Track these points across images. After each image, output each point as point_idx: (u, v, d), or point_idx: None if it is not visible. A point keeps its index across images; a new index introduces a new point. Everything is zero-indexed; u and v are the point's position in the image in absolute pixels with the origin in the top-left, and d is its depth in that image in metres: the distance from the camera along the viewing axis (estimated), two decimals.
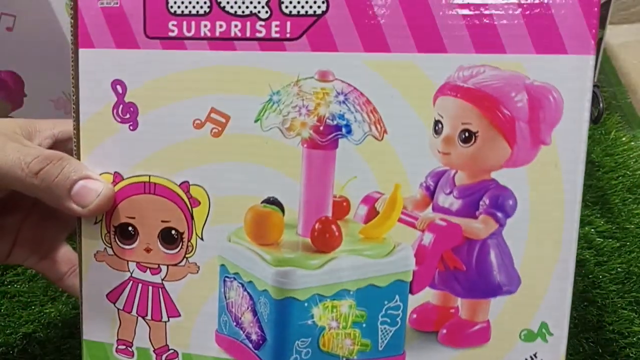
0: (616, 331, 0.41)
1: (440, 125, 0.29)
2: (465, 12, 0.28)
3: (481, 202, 0.29)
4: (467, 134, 0.29)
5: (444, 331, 0.30)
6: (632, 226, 0.48)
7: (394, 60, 0.29)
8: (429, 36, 0.28)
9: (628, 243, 0.46)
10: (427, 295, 0.30)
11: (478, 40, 0.28)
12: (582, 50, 0.27)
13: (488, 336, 0.30)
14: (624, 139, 0.57)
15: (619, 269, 0.44)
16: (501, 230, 0.29)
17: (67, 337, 0.43)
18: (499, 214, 0.29)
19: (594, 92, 0.39)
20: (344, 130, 0.30)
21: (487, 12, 0.27)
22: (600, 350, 0.40)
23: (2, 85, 0.51)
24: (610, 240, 0.47)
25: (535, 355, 0.29)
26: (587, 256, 0.45)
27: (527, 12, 0.27)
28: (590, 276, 0.44)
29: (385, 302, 0.31)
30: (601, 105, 0.38)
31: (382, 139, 0.29)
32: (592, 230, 0.47)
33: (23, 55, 0.50)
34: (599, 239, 0.47)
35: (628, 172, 0.53)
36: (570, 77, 0.27)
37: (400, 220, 0.30)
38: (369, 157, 0.30)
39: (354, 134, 0.30)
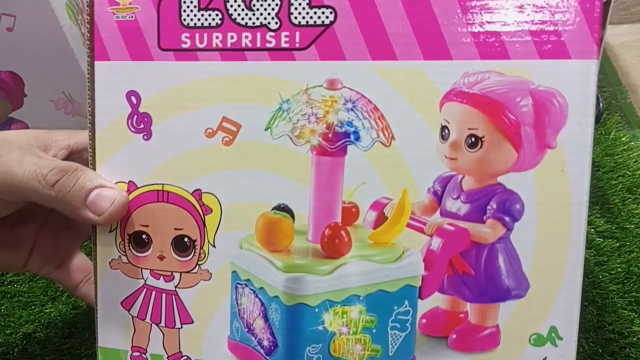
0: (616, 331, 0.41)
1: (447, 131, 0.29)
2: (470, 19, 0.28)
3: (488, 207, 0.29)
4: (473, 139, 0.29)
5: (454, 336, 0.30)
6: (632, 226, 0.48)
7: (401, 67, 0.29)
8: (435, 44, 0.29)
9: (628, 243, 0.46)
10: (437, 300, 0.30)
11: (482, 47, 0.28)
12: (585, 55, 0.27)
13: (498, 341, 0.30)
14: (624, 139, 0.56)
15: (619, 269, 0.44)
16: (509, 235, 0.29)
17: (67, 337, 0.44)
18: (507, 218, 0.29)
19: None
20: (352, 137, 0.30)
21: (491, 19, 0.28)
22: (600, 350, 0.40)
23: (2, 85, 0.51)
24: (610, 240, 0.47)
25: (545, 359, 0.29)
26: (587, 256, 0.45)
27: (530, 18, 0.28)
28: (590, 276, 0.44)
29: (395, 307, 0.31)
30: (601, 105, 0.39)
31: (389, 145, 0.30)
32: (592, 230, 0.47)
33: (23, 55, 0.50)
34: (598, 239, 0.46)
35: (628, 172, 0.52)
36: (574, 82, 0.28)
37: (408, 225, 0.30)
38: (377, 163, 0.30)
39: (362, 141, 0.30)
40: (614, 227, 0.48)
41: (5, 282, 0.48)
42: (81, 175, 0.32)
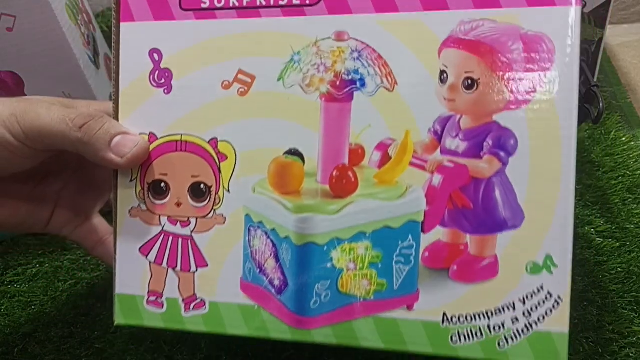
0: (616, 331, 0.41)
1: (445, 75, 0.32)
2: None
3: (485, 143, 0.31)
4: (469, 82, 0.32)
5: (455, 267, 0.32)
6: (632, 226, 0.48)
7: (402, 18, 0.32)
8: None
9: (628, 243, 0.47)
10: (438, 234, 0.32)
11: None
12: (568, 2, 0.30)
13: (496, 270, 0.31)
14: (624, 139, 0.57)
15: (619, 269, 0.44)
16: (504, 169, 0.31)
17: (67, 337, 0.44)
18: (502, 154, 0.31)
19: (594, 92, 0.42)
20: (358, 84, 0.33)
21: None
22: (600, 350, 0.40)
23: (2, 85, 0.51)
24: (610, 240, 0.47)
25: (541, 287, 0.31)
26: (587, 256, 0.45)
27: None
28: (590, 276, 0.44)
29: (400, 242, 0.33)
30: (601, 105, 0.40)
31: (392, 90, 0.32)
32: (592, 230, 0.48)
33: (23, 55, 0.50)
34: (598, 239, 0.47)
35: (628, 172, 0.52)
36: (560, 26, 0.30)
37: (411, 164, 0.32)
38: (381, 107, 0.33)
39: (367, 87, 0.33)
40: (614, 227, 0.48)
41: (6, 282, 0.49)
42: (107, 122, 0.34)
